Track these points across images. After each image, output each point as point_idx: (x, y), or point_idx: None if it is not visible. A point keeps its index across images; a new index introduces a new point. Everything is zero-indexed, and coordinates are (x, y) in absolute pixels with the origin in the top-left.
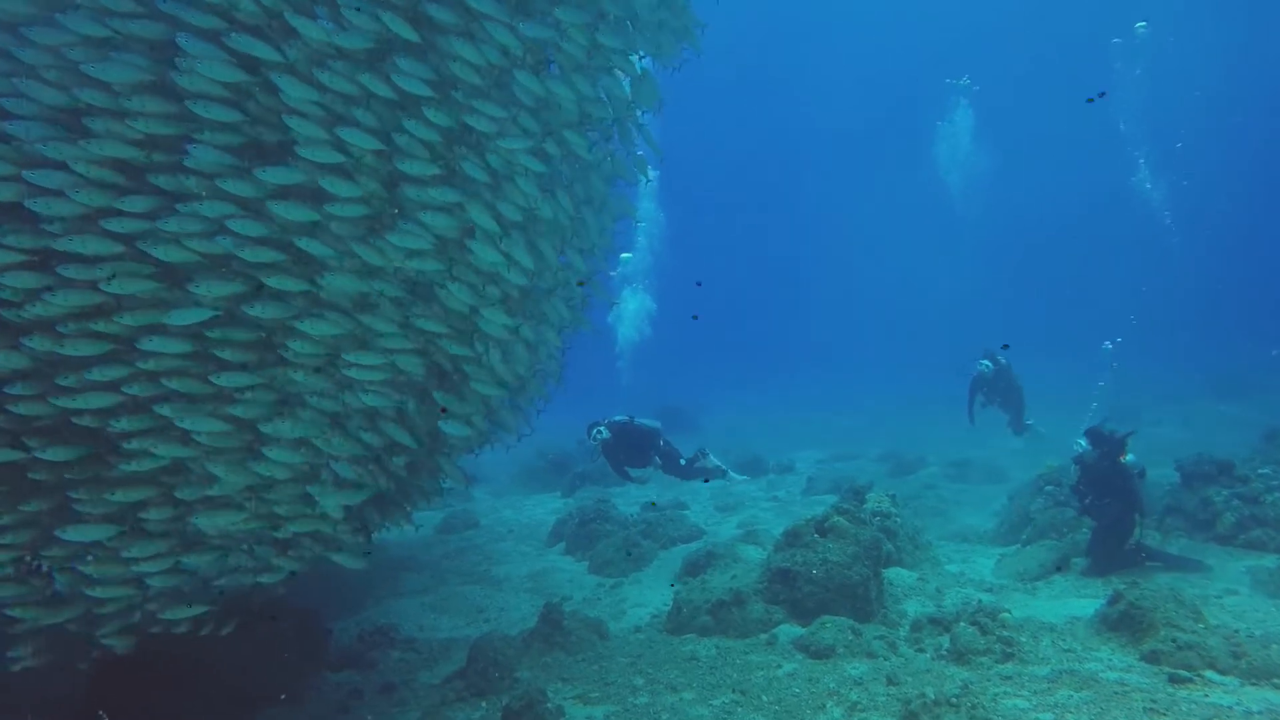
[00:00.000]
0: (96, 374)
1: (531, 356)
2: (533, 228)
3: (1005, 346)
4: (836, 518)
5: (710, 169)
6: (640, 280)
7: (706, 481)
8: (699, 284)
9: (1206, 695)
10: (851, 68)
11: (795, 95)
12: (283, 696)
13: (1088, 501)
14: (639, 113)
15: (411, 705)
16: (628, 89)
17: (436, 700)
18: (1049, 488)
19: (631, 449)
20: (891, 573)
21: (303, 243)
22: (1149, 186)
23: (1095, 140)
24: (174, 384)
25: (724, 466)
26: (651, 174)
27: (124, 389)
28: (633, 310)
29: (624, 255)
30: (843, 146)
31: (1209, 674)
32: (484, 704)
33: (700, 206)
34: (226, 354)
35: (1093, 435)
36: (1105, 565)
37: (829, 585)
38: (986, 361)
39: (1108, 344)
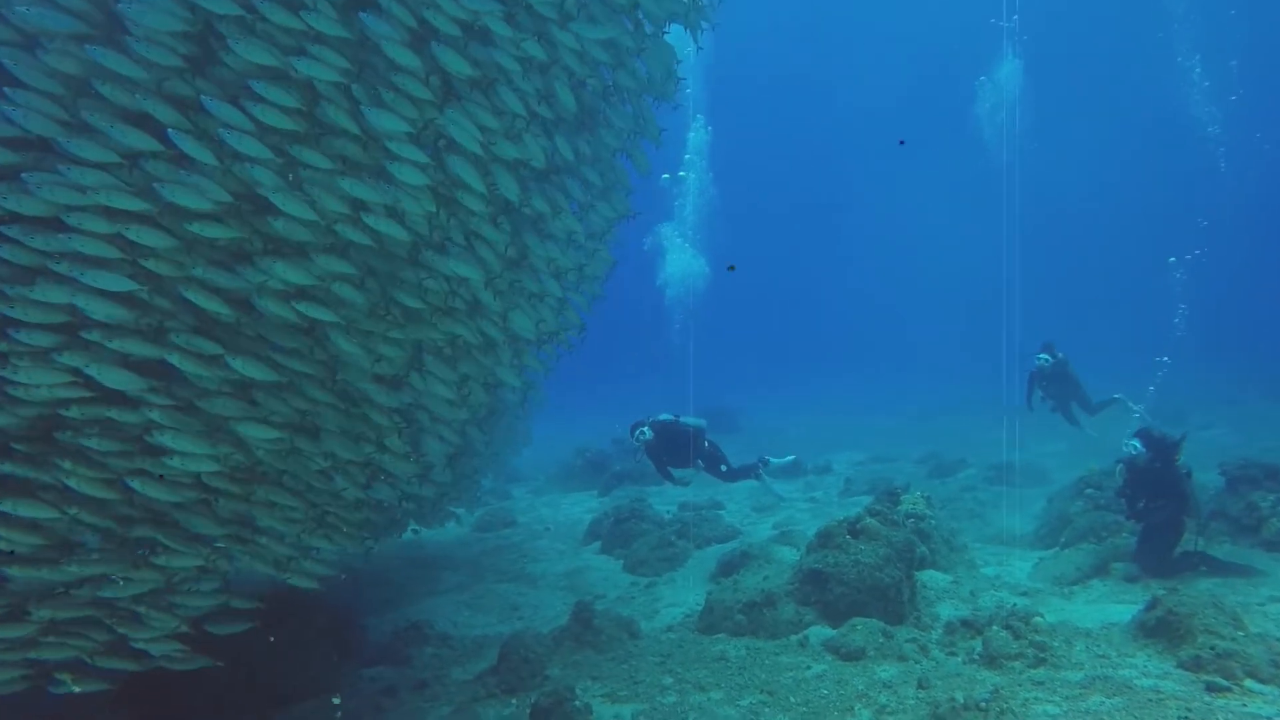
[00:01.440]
0: (24, 336)
1: (534, 311)
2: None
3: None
4: (869, 519)
5: (757, 160)
6: (690, 239)
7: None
8: (731, 268)
9: (1245, 705)
10: (896, 42)
11: (840, 76)
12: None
13: (1140, 505)
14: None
15: (443, 701)
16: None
17: (468, 697)
18: (1089, 490)
19: (675, 449)
20: (925, 575)
21: (256, 172)
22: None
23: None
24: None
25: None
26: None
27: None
28: (680, 269)
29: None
30: (886, 130)
31: (1249, 683)
32: (514, 701)
33: (748, 198)
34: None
35: (1145, 437)
36: (1157, 568)
37: (860, 587)
38: (1044, 355)
39: (1173, 260)
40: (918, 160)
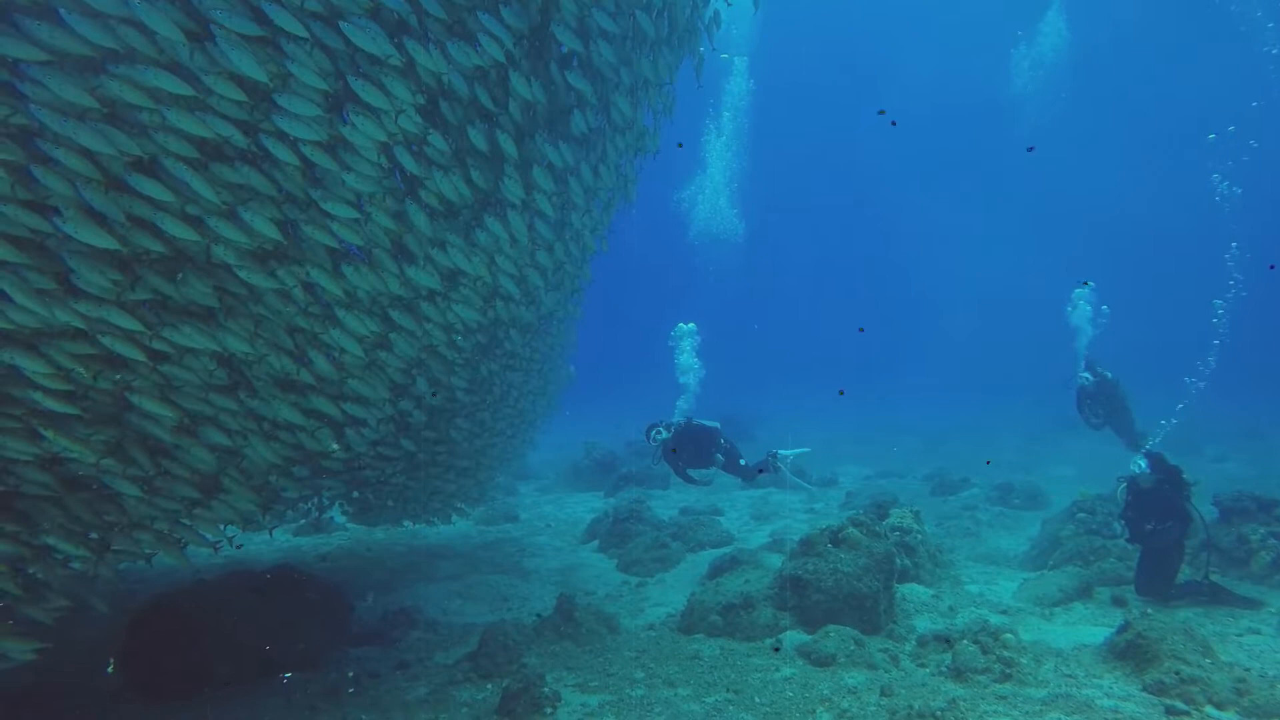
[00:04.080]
0: None
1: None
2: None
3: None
4: (851, 529)
5: (789, 171)
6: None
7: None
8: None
9: None
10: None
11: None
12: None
13: (1150, 527)
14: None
15: (422, 681)
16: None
17: (445, 679)
18: (1081, 515)
19: (693, 449)
20: (907, 588)
21: (218, 86)
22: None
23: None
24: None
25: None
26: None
27: None
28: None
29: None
30: (918, 142)
31: (1209, 709)
32: (489, 685)
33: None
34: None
35: (1154, 459)
36: (1162, 594)
37: (838, 595)
38: (1085, 374)
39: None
40: (955, 171)
